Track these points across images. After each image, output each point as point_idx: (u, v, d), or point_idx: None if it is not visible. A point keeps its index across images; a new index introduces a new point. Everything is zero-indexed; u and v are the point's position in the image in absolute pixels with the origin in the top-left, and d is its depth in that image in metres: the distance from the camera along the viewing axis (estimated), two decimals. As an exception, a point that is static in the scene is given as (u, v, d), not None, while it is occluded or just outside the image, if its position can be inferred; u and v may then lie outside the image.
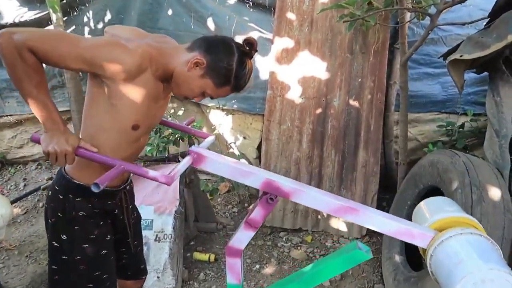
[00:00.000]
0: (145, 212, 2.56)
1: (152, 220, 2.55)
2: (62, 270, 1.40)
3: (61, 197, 1.35)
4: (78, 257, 1.38)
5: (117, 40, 1.22)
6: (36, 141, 1.20)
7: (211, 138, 1.61)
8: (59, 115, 1.19)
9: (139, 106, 1.26)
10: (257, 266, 2.69)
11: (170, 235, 2.51)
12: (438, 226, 1.33)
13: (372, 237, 2.97)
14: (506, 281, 1.09)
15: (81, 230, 1.37)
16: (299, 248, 2.88)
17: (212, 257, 2.72)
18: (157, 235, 2.52)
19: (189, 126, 1.72)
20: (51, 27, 3.68)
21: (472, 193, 1.91)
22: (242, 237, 1.46)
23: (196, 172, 3.03)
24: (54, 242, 1.39)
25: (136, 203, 2.59)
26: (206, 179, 3.71)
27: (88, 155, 1.22)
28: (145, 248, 2.50)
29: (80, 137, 1.28)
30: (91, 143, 1.25)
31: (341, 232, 3.04)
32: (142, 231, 2.52)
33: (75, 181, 1.35)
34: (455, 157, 2.13)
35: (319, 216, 3.07)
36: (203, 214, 3.10)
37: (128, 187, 1.55)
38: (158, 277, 2.45)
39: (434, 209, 1.42)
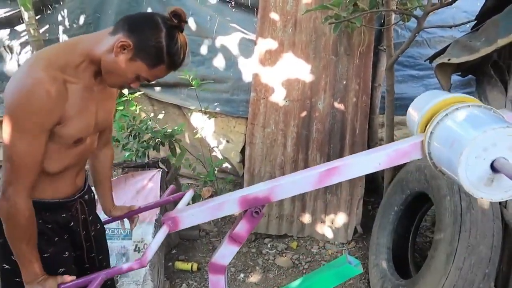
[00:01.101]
0: (124, 220, 2.44)
1: (131, 229, 2.43)
2: None
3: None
4: None
5: (22, 104, 1.08)
6: None
7: (188, 194, 1.57)
8: (39, 265, 1.20)
9: (76, 124, 1.18)
10: (242, 275, 2.60)
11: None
12: (431, 113, 1.13)
13: (358, 242, 2.93)
14: (509, 137, 0.94)
15: None
16: (284, 255, 2.81)
17: (195, 266, 2.62)
18: (136, 245, 2.41)
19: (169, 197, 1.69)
20: (22, 26, 3.51)
21: (461, 200, 1.87)
22: (225, 253, 1.37)
23: (178, 178, 2.93)
24: (4, 265, 1.27)
25: (115, 212, 2.48)
26: (187, 184, 3.61)
27: (72, 287, 1.20)
28: (123, 259, 2.41)
29: None
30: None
31: (327, 238, 2.98)
32: (121, 241, 2.44)
33: None
34: (443, 163, 2.09)
35: (305, 222, 3.01)
36: (185, 221, 3.00)
37: (87, 196, 1.43)
38: (137, 290, 2.34)
39: (419, 106, 1.21)
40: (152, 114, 3.14)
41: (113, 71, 1.16)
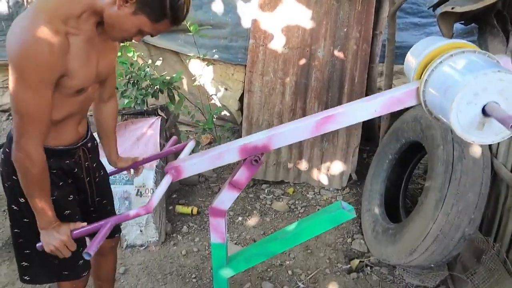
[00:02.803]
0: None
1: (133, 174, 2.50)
2: (25, 233, 1.36)
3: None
4: None
5: (27, 56, 1.06)
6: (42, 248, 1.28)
7: (190, 144, 1.58)
8: (53, 213, 1.25)
9: (79, 73, 1.19)
10: (240, 218, 2.72)
11: (151, 189, 2.48)
12: (429, 58, 1.14)
13: (352, 188, 3.03)
14: (499, 81, 0.95)
15: None
16: (281, 200, 2.92)
17: (195, 210, 2.73)
18: (138, 190, 2.49)
19: (173, 148, 1.66)
20: None
21: (454, 149, 1.93)
22: (225, 198, 1.44)
23: (177, 125, 2.96)
24: (13, 206, 1.34)
25: (116, 158, 2.53)
26: (186, 130, 3.65)
27: (83, 232, 1.27)
28: (126, 203, 2.50)
29: None
30: None
31: (322, 184, 3.08)
32: (123, 186, 2.51)
33: None
34: (438, 113, 2.12)
35: (301, 169, 3.09)
36: (184, 167, 3.08)
37: (89, 144, 1.47)
38: (141, 231, 2.45)
39: (418, 52, 1.22)
40: (150, 61, 3.09)
41: (116, 25, 1.15)
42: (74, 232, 1.26)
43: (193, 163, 1.35)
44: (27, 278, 1.41)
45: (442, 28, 2.11)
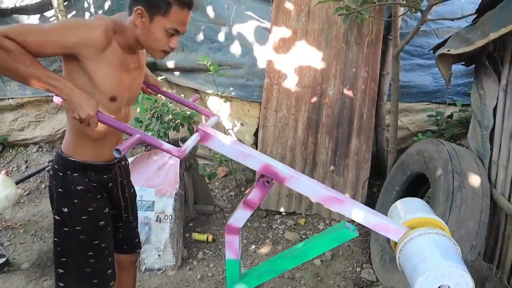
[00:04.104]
0: (147, 194, 2.69)
1: (154, 201, 2.67)
2: (64, 241, 1.50)
3: (60, 174, 1.46)
4: (78, 228, 1.48)
5: (79, 19, 1.30)
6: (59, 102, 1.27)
7: (216, 118, 1.68)
8: (64, 79, 1.26)
9: (113, 77, 1.35)
10: (253, 247, 2.84)
11: (170, 216, 2.64)
12: (410, 224, 1.48)
13: (362, 220, 3.12)
14: (461, 277, 1.28)
15: (80, 203, 1.47)
16: (292, 230, 3.03)
17: (210, 237, 2.86)
18: (158, 216, 2.65)
19: (195, 103, 1.80)
20: (51, 12, 3.74)
21: (454, 179, 2.05)
22: (240, 216, 1.59)
23: (195, 157, 3.15)
24: (56, 216, 1.50)
25: (138, 185, 2.72)
26: (204, 164, 3.84)
27: (106, 119, 1.26)
28: (146, 228, 2.65)
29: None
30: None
31: (333, 216, 3.19)
32: (144, 212, 2.67)
33: (71, 158, 1.45)
34: (440, 146, 2.26)
35: (313, 201, 3.21)
36: (201, 197, 3.24)
37: (123, 162, 1.65)
38: (159, 255, 2.59)
39: (408, 209, 1.58)
40: (172, 97, 3.35)
41: (148, 40, 1.34)
42: (99, 114, 1.26)
43: (222, 142, 1.44)
44: (61, 285, 1.55)
45: (441, 69, 2.29)
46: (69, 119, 1.45)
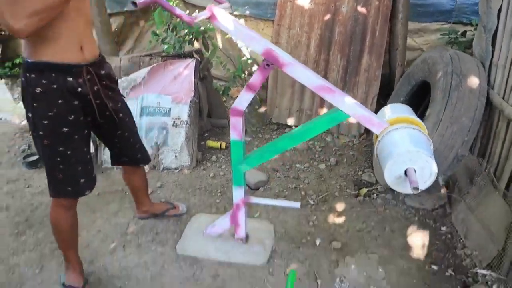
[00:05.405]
0: (164, 101, 2.88)
1: (170, 108, 2.87)
2: (37, 145, 1.55)
3: (23, 78, 1.47)
4: (41, 133, 1.49)
5: None
6: None
7: (226, 4, 1.78)
8: None
9: None
10: (262, 154, 3.03)
11: (186, 121, 2.84)
12: (392, 122, 1.64)
13: (369, 135, 3.26)
14: (426, 162, 1.44)
15: (40, 107, 1.46)
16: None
17: (223, 144, 3.07)
18: (174, 121, 2.86)
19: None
20: None
21: (452, 80, 2.13)
22: (243, 99, 1.75)
23: (209, 69, 3.29)
24: (26, 120, 1.54)
25: (156, 92, 2.91)
26: (219, 84, 3.98)
27: None
28: (164, 131, 2.86)
29: None
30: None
31: (341, 130, 3.33)
32: (162, 117, 2.87)
33: (29, 60, 1.43)
34: (443, 52, 2.32)
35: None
36: (215, 110, 3.42)
37: (103, 72, 1.60)
38: (176, 156, 2.83)
39: (393, 110, 1.74)
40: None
41: None
42: None
43: (229, 19, 1.56)
44: (49, 186, 1.63)
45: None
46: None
